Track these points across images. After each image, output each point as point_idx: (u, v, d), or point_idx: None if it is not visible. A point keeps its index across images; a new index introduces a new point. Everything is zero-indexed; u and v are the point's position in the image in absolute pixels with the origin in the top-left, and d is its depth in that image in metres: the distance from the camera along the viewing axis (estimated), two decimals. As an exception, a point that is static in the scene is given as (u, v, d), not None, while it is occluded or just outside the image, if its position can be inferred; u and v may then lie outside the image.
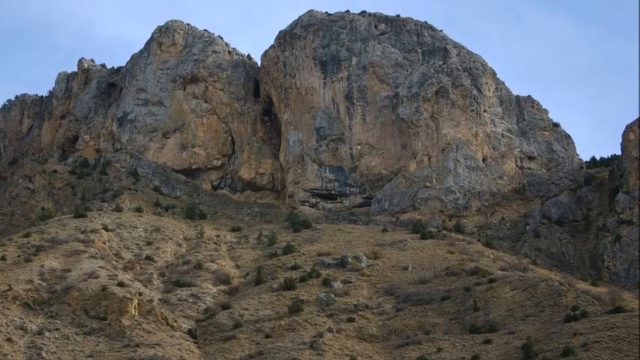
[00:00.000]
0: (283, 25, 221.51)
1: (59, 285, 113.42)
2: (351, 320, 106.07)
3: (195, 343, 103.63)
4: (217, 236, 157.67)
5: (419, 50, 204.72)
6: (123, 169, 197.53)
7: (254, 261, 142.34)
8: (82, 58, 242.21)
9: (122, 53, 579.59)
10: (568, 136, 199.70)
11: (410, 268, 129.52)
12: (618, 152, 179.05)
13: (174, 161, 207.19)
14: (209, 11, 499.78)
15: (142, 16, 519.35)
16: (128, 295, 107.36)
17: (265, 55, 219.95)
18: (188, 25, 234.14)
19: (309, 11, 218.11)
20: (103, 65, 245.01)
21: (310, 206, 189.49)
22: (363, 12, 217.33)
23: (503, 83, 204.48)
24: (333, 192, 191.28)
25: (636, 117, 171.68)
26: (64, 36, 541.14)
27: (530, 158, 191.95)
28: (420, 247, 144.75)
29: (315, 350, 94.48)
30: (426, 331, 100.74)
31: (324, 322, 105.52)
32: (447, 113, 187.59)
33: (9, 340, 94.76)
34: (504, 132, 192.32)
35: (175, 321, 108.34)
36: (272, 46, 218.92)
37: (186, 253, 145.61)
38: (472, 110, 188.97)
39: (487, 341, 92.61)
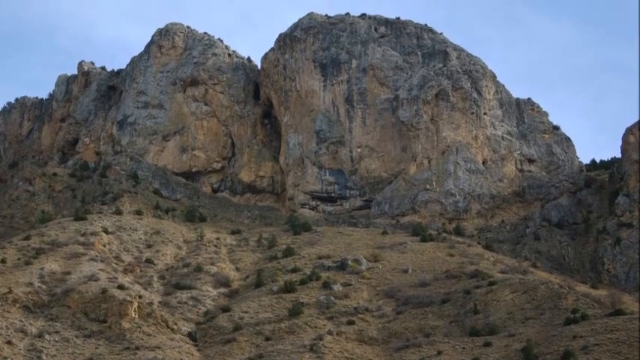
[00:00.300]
0: (283, 27, 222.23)
1: (59, 288, 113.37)
2: (351, 323, 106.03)
3: (196, 345, 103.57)
4: (217, 239, 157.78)
5: (419, 53, 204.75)
6: (123, 172, 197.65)
7: (254, 264, 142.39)
8: (82, 61, 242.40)
9: (122, 56, 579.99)
10: (568, 139, 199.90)
11: (410, 270, 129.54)
12: (618, 155, 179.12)
13: (174, 164, 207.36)
14: (209, 14, 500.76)
15: (142, 19, 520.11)
16: (128, 298, 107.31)
17: (265, 57, 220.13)
18: (188, 27, 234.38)
19: (309, 14, 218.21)
20: (103, 68, 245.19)
21: (310, 209, 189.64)
22: (363, 15, 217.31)
23: (504, 86, 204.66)
24: (333, 195, 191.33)
25: (636, 119, 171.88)
26: (64, 38, 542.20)
27: (530, 161, 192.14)
28: (420, 249, 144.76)
29: (315, 353, 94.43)
30: (426, 333, 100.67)
31: (324, 325, 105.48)
32: (447, 116, 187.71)
33: (9, 342, 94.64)
34: (504, 135, 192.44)
35: (175, 324, 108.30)
36: (272, 49, 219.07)
37: (186, 255, 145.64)
38: (472, 113, 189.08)
39: (487, 344, 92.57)
